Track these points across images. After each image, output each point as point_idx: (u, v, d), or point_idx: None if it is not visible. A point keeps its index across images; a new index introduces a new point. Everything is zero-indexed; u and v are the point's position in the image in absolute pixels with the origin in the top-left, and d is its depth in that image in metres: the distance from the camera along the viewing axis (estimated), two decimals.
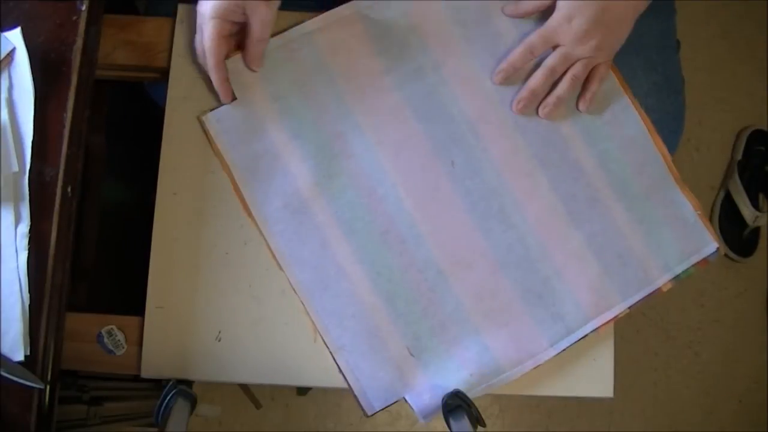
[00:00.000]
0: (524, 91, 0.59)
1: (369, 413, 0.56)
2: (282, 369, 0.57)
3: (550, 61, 0.58)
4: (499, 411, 1.24)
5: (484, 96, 0.60)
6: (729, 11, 1.38)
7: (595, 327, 0.57)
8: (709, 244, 0.59)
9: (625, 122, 0.60)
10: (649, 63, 0.67)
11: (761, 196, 1.32)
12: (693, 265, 0.59)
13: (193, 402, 0.54)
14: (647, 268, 0.58)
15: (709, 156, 1.35)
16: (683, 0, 0.72)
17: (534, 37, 0.58)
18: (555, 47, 0.59)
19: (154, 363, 0.56)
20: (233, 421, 1.21)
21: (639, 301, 0.58)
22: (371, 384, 0.56)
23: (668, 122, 0.68)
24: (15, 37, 0.54)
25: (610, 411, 1.26)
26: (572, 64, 0.59)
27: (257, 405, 1.20)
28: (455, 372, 0.56)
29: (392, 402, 0.56)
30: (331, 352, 0.57)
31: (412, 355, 0.56)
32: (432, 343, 0.57)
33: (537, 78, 0.59)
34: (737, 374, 1.29)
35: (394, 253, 0.58)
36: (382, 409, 0.56)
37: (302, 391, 1.20)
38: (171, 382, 0.54)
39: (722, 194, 1.33)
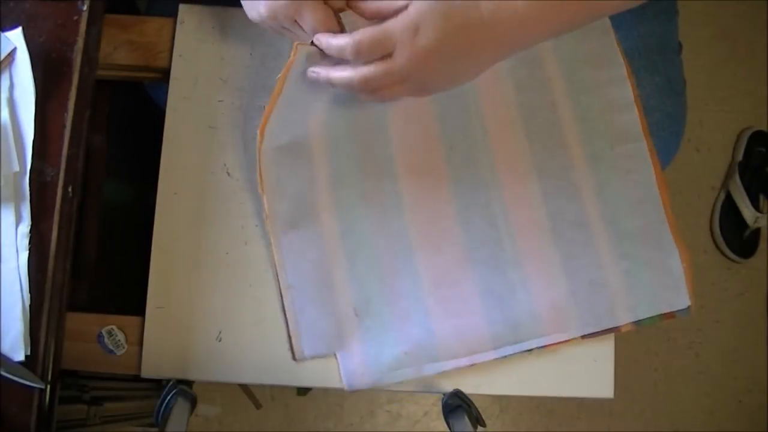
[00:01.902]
0: (324, 74, 0.49)
1: (297, 357, 0.56)
2: (282, 369, 0.57)
3: (370, 72, 0.46)
4: (499, 411, 1.24)
5: (503, 95, 0.59)
6: (729, 12, 1.38)
7: (543, 344, 0.56)
8: (684, 300, 0.57)
9: (634, 160, 0.59)
10: (651, 65, 0.67)
11: (762, 197, 1.32)
12: (659, 315, 0.57)
13: (193, 402, 0.54)
14: (615, 304, 0.57)
15: (709, 157, 1.35)
16: (683, 0, 0.72)
17: (366, 37, 0.45)
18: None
19: (154, 363, 0.56)
20: (233, 421, 1.21)
21: (595, 333, 0.57)
22: (309, 330, 0.56)
23: (669, 124, 0.68)
24: (16, 36, 0.54)
25: (610, 411, 1.26)
26: (397, 84, 0.47)
27: (257, 405, 1.20)
28: (392, 345, 0.56)
29: (323, 354, 0.56)
30: (280, 289, 0.57)
31: (356, 315, 0.56)
32: (380, 310, 0.57)
33: (344, 76, 0.47)
34: (737, 375, 1.29)
35: (371, 214, 0.58)
36: (312, 358, 0.56)
37: (302, 391, 1.20)
38: (171, 382, 0.54)
39: (723, 195, 1.33)
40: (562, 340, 0.57)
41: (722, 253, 1.32)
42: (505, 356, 0.56)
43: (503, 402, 1.24)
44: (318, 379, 0.57)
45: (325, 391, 1.21)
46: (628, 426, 1.26)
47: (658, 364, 1.28)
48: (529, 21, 0.44)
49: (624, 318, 0.57)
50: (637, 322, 0.57)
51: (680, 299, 0.57)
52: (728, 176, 1.34)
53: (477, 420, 0.53)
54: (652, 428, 1.26)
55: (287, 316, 0.56)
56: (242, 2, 0.50)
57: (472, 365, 0.56)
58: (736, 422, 1.28)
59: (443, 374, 0.57)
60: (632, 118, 0.60)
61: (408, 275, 0.57)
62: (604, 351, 0.59)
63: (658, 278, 0.58)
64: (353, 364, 0.56)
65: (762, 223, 1.30)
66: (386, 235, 0.58)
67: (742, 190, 1.29)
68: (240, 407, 1.21)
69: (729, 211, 1.31)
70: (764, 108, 1.36)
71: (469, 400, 0.54)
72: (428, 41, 0.43)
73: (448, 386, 0.57)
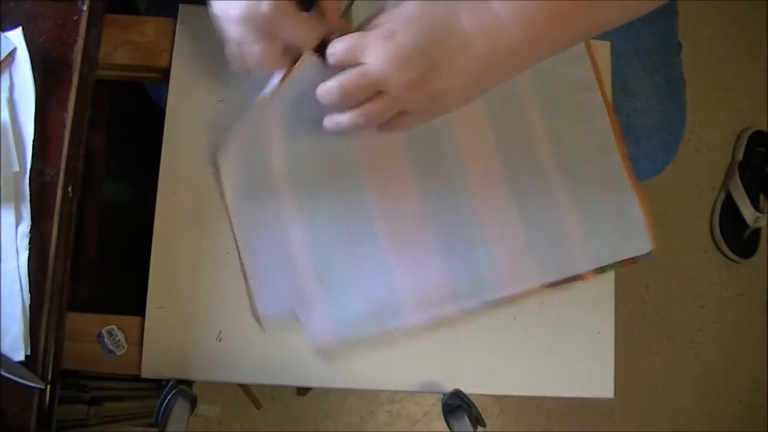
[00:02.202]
0: (321, 90, 0.46)
1: (261, 320, 0.56)
2: (282, 369, 0.57)
3: (345, 78, 0.44)
4: (499, 411, 1.24)
5: None
6: (729, 12, 1.38)
7: (503, 295, 0.57)
8: (645, 245, 0.58)
9: (588, 109, 0.59)
10: (651, 65, 0.67)
11: (762, 197, 1.32)
12: (620, 262, 0.58)
13: (193, 402, 0.54)
14: (575, 252, 0.57)
15: (709, 157, 1.35)
16: (683, 0, 0.72)
17: (342, 41, 0.44)
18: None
19: (154, 363, 0.56)
20: (233, 421, 1.21)
21: (557, 282, 0.57)
22: (269, 292, 0.56)
23: (669, 124, 0.68)
24: (16, 37, 0.54)
25: (610, 411, 1.26)
26: (376, 97, 0.44)
27: (257, 405, 1.20)
28: (354, 302, 0.56)
29: (285, 313, 0.56)
30: (238, 248, 0.57)
31: (316, 275, 0.56)
32: (340, 269, 0.57)
33: (326, 89, 0.45)
34: (737, 375, 1.29)
35: (325, 172, 0.57)
36: (275, 319, 0.56)
37: (302, 391, 1.20)
38: (171, 382, 0.54)
39: (723, 195, 1.33)
40: (524, 290, 0.57)
41: (722, 253, 1.32)
42: (467, 309, 0.56)
43: (503, 402, 1.24)
44: (318, 379, 0.57)
45: (325, 391, 1.21)
46: (628, 426, 1.26)
47: (658, 364, 1.28)
48: (516, 37, 0.42)
49: (585, 265, 0.57)
50: (599, 269, 0.58)
51: (641, 244, 0.58)
52: (728, 176, 1.34)
53: (477, 420, 0.53)
54: (652, 428, 1.26)
55: (247, 281, 0.57)
56: (211, 1, 0.47)
57: (434, 320, 0.56)
58: (736, 422, 1.28)
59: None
60: (585, 68, 0.60)
61: (366, 233, 0.57)
62: (604, 351, 0.59)
63: (617, 225, 0.58)
64: (316, 323, 0.56)
65: (762, 223, 1.30)
66: (342, 194, 0.57)
67: (742, 190, 1.29)
68: (240, 407, 1.21)
69: (729, 211, 1.32)
70: (764, 108, 1.36)
71: (469, 400, 0.54)
72: (402, 42, 0.41)
73: (448, 386, 0.57)
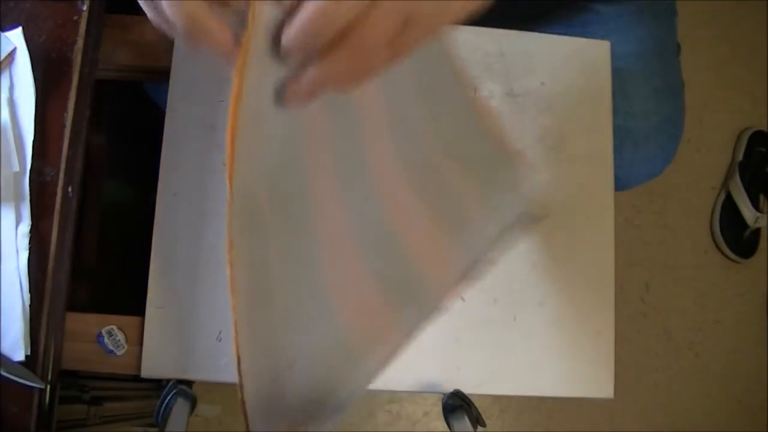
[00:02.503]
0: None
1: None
2: None
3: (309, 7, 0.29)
4: (499, 411, 1.24)
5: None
6: (729, 12, 1.38)
7: (443, 302, 0.53)
8: (526, 193, 0.55)
9: (449, 93, 0.53)
10: (650, 67, 0.67)
11: (762, 197, 1.32)
12: (524, 225, 0.55)
13: (193, 402, 0.54)
14: (484, 231, 0.55)
15: (709, 157, 1.36)
16: (683, 1, 0.72)
17: None
18: None
19: (154, 363, 0.56)
20: (233, 421, 1.21)
21: (480, 268, 0.54)
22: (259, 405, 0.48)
23: (668, 126, 0.68)
24: (16, 36, 0.54)
25: (610, 412, 1.26)
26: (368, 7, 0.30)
27: None
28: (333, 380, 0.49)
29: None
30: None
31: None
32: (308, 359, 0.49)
33: (302, 20, 0.30)
34: (737, 375, 1.29)
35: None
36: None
37: None
38: (171, 382, 0.54)
39: (723, 195, 1.33)
40: (457, 289, 0.53)
41: (722, 253, 1.32)
42: (413, 332, 0.51)
43: (503, 402, 1.24)
44: None
45: None
46: (628, 426, 1.26)
47: (658, 364, 1.28)
48: None
49: (492, 233, 0.54)
50: (509, 241, 0.54)
51: (524, 191, 0.55)
52: (728, 176, 1.34)
53: (477, 420, 0.53)
54: (652, 428, 1.26)
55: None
56: None
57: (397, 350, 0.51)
58: (736, 422, 1.28)
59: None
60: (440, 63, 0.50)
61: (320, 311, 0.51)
62: (604, 351, 0.59)
63: (505, 184, 0.55)
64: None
65: (762, 223, 1.30)
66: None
67: (742, 190, 1.29)
68: (240, 407, 1.21)
69: (729, 211, 1.32)
70: (764, 108, 1.36)
71: (469, 400, 0.54)
72: None
73: (448, 386, 0.57)
